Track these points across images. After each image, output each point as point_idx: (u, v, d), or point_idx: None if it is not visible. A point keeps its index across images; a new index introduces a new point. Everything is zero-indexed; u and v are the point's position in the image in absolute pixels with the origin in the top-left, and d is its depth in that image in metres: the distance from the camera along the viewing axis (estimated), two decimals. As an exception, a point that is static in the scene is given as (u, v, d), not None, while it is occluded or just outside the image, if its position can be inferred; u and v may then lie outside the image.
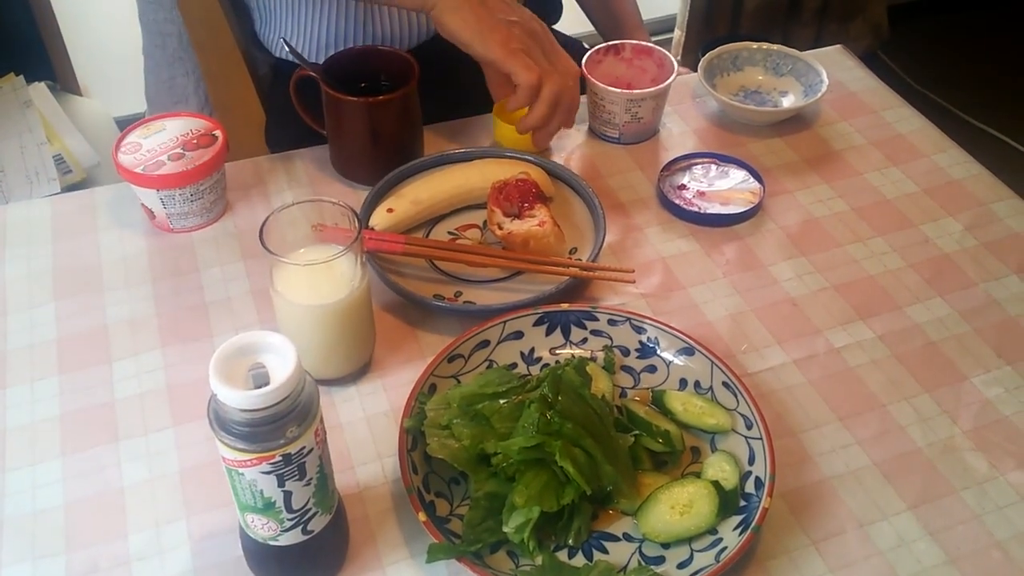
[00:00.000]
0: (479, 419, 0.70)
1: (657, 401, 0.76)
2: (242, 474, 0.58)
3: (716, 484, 0.68)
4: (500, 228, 0.87)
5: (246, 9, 1.22)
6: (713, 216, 0.94)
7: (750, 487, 0.69)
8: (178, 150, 0.90)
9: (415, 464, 0.70)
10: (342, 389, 0.80)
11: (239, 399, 0.54)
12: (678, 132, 1.06)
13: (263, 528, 0.61)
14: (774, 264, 0.91)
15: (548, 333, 0.80)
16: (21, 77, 1.55)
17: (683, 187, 0.97)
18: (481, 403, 0.71)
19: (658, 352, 0.79)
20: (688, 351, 0.78)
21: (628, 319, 0.80)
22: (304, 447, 0.58)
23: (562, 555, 0.67)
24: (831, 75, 1.12)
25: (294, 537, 0.62)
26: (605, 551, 0.68)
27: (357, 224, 0.72)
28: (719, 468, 0.70)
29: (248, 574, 0.66)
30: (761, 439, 0.71)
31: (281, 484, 0.58)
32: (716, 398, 0.75)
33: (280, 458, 0.57)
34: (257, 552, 0.65)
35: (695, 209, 0.95)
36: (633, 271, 0.86)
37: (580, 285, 0.87)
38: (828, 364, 0.81)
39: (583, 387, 0.71)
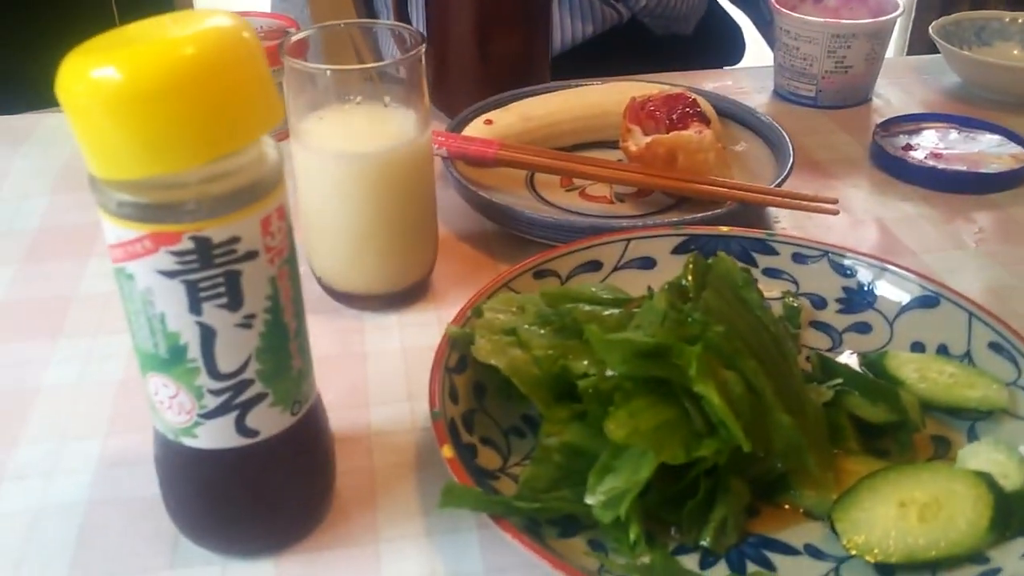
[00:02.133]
0: (566, 329, 0.42)
1: (873, 366, 0.45)
2: (132, 277, 0.33)
3: (987, 478, 0.37)
4: (636, 146, 0.62)
5: None
6: (958, 177, 0.65)
7: (1053, 495, 0.37)
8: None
9: (455, 390, 0.43)
10: (379, 316, 0.54)
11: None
12: (899, 102, 0.79)
13: (172, 407, 0.35)
14: (1055, 238, 0.60)
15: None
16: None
17: (909, 147, 0.69)
18: (573, 305, 0.44)
19: (875, 305, 0.49)
20: (929, 301, 0.48)
21: (826, 253, 0.51)
22: (237, 238, 0.32)
23: (689, 562, 0.37)
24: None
25: (223, 434, 0.36)
26: (771, 567, 0.37)
27: (422, 42, 0.49)
28: (988, 458, 0.39)
29: (162, 519, 0.40)
30: (1071, 423, 0.39)
31: (196, 308, 0.33)
32: (977, 366, 0.44)
33: (191, 244, 0.32)
34: (166, 462, 0.38)
35: (928, 167, 0.66)
36: (837, 200, 0.57)
37: (748, 221, 0.59)
38: None
39: (748, 288, 0.42)
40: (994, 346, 0.44)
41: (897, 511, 0.36)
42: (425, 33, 0.76)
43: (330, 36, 0.52)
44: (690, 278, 0.41)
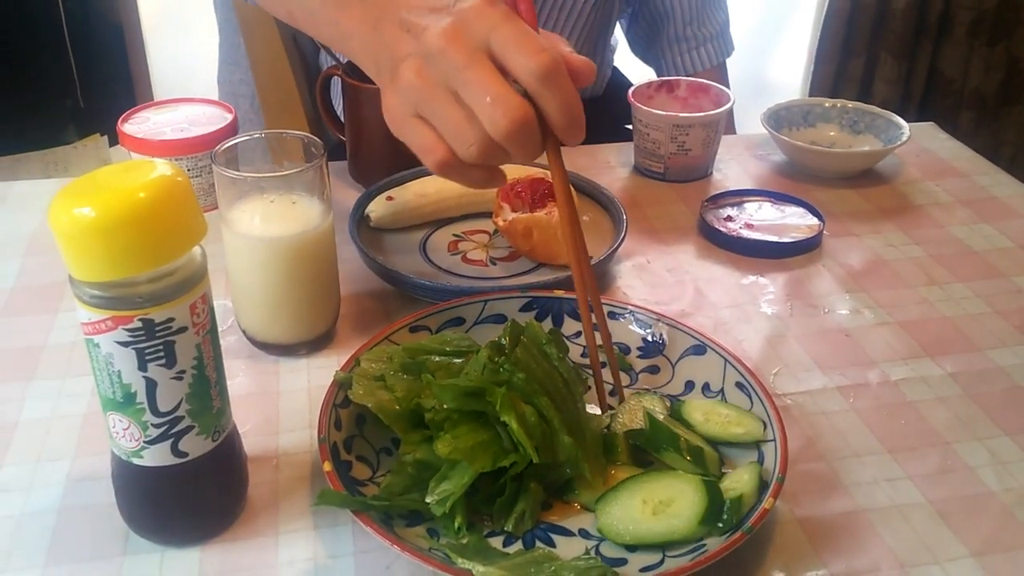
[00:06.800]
0: (420, 373, 0.57)
1: (675, 412, 0.61)
2: (98, 345, 0.47)
3: (707, 483, 0.53)
4: (504, 221, 0.78)
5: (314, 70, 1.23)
6: (759, 244, 0.82)
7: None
8: (184, 125, 0.86)
9: (340, 420, 0.57)
10: (292, 360, 0.69)
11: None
12: (734, 175, 0.96)
13: (125, 436, 0.50)
14: (827, 295, 0.77)
15: (537, 321, 0.68)
16: (105, 138, 1.61)
17: (729, 218, 0.86)
18: (426, 356, 0.59)
19: (663, 351, 0.65)
20: (699, 350, 0.64)
21: (631, 311, 0.67)
22: (172, 319, 0.47)
23: (496, 542, 0.52)
24: (920, 144, 1.01)
25: (161, 455, 0.50)
26: (552, 545, 0.52)
27: (323, 152, 0.64)
28: (737, 478, 0.54)
29: (117, 520, 0.54)
30: (774, 440, 0.55)
31: (142, 366, 0.47)
32: (727, 401, 0.60)
33: (139, 323, 0.46)
34: (120, 476, 0.53)
35: (736, 236, 0.82)
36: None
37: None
38: (881, 395, 0.65)
39: (550, 345, 0.58)
40: (738, 384, 0.60)
41: (640, 505, 0.52)
42: (345, 119, 0.92)
43: (251, 143, 0.66)
44: (507, 339, 0.57)
